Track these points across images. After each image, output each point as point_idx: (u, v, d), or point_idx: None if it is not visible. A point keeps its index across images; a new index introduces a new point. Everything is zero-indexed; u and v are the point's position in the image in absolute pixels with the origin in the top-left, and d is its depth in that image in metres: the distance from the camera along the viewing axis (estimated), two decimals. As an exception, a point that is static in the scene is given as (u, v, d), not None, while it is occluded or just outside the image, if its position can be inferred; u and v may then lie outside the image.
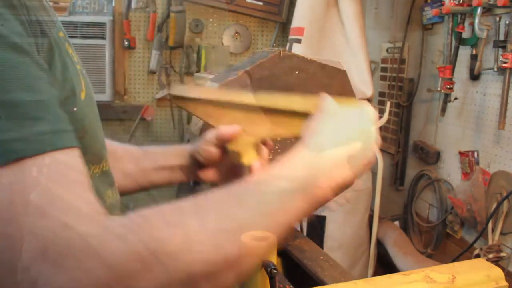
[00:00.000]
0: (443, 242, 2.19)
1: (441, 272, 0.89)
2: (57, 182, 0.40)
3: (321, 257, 1.02)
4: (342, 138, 0.58)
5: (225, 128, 0.75)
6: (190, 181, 0.87)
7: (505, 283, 0.92)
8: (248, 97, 0.72)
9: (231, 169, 0.83)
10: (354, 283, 0.83)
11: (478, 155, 1.94)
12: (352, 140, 0.58)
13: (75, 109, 0.51)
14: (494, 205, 1.75)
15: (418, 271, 0.90)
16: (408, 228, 2.46)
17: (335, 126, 0.59)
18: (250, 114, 0.73)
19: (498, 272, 0.93)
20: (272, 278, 0.69)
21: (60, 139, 0.42)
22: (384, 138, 2.69)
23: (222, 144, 0.78)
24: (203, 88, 0.82)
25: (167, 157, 0.86)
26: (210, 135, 0.80)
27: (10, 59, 0.40)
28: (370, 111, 0.62)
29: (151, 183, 0.86)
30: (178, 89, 0.84)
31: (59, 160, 0.41)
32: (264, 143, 0.79)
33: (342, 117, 0.61)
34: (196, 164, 0.83)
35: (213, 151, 0.80)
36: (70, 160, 0.42)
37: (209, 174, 0.84)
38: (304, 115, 0.68)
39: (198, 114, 0.79)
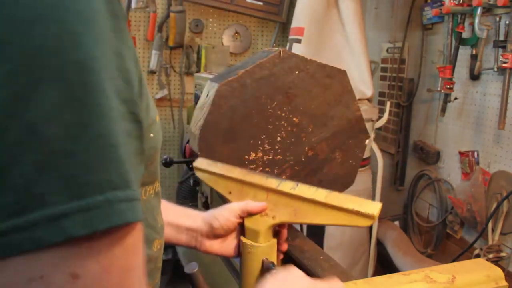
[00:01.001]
0: (443, 242, 2.19)
1: (441, 272, 0.90)
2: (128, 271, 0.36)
3: (321, 257, 1.02)
4: None
5: (254, 203, 0.80)
6: (191, 247, 0.86)
7: (505, 283, 0.92)
8: (272, 181, 0.76)
9: (237, 244, 0.86)
10: (354, 283, 0.83)
11: (478, 155, 1.94)
12: None
13: (151, 135, 0.48)
14: (494, 205, 1.75)
15: (418, 271, 0.90)
16: (408, 228, 2.46)
17: None
18: (272, 196, 0.77)
19: (498, 272, 0.93)
20: None
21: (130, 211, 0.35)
22: (384, 138, 2.69)
23: (243, 217, 0.82)
24: (226, 165, 0.86)
25: (177, 215, 0.85)
26: (235, 206, 0.82)
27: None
28: None
29: None
30: (203, 163, 0.89)
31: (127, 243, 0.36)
32: (281, 226, 0.83)
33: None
34: (205, 231, 0.84)
35: (234, 221, 0.82)
36: (137, 241, 0.38)
37: (215, 245, 0.86)
38: (331, 208, 0.71)
39: (218, 188, 0.85)
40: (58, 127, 0.32)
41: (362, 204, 0.69)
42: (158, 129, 0.52)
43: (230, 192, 0.84)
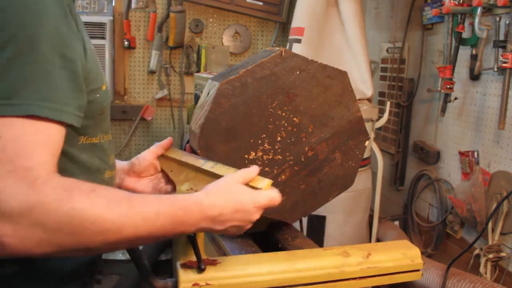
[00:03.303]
0: (443, 242, 2.19)
1: (359, 249, 0.96)
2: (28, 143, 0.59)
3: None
4: (228, 204, 0.75)
5: (162, 142, 1.02)
6: (117, 186, 0.98)
7: (420, 261, 0.98)
8: (199, 162, 0.92)
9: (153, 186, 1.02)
10: (275, 253, 0.94)
11: (478, 155, 1.94)
12: (234, 209, 0.75)
13: (97, 95, 0.74)
14: (494, 205, 1.75)
15: (339, 247, 0.97)
16: (408, 228, 2.46)
17: (229, 194, 0.77)
18: (198, 174, 0.91)
19: (415, 251, 0.99)
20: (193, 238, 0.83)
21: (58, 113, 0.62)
22: (384, 138, 2.69)
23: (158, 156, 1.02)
24: (171, 148, 1.03)
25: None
26: (153, 147, 1.02)
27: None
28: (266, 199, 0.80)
29: None
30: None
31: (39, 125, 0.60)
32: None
33: (238, 190, 0.78)
34: (127, 169, 1.01)
35: (151, 160, 1.01)
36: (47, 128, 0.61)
37: (133, 182, 1.00)
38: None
39: (164, 167, 1.01)
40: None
41: (257, 181, 0.82)
42: (104, 94, 0.77)
43: (171, 171, 0.97)
